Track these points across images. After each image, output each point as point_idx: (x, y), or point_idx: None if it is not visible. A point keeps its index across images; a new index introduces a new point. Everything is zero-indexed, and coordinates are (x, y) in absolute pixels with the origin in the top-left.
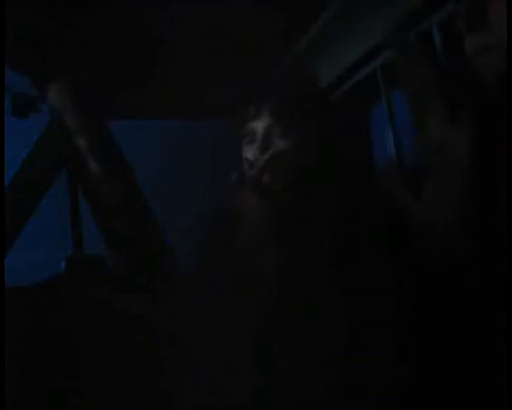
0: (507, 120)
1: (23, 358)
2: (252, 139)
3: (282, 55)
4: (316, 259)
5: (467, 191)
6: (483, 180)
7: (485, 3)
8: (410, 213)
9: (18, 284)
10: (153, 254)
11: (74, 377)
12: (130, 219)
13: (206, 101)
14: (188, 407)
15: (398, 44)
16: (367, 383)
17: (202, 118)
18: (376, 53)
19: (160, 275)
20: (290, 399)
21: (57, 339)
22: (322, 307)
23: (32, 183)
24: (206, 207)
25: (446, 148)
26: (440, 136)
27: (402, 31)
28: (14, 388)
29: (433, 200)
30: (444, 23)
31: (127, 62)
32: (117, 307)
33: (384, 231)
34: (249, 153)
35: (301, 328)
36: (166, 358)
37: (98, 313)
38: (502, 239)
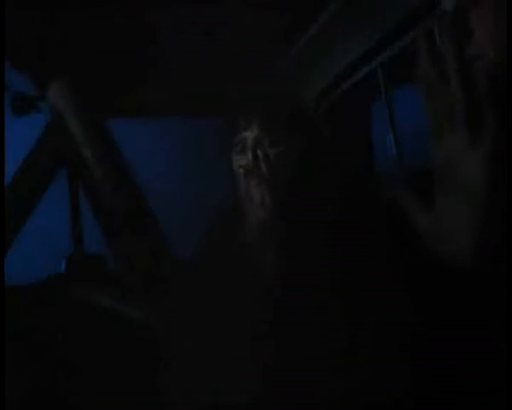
0: (507, 120)
1: (23, 357)
2: (243, 147)
3: (268, 72)
4: (316, 260)
5: (483, 208)
6: (498, 197)
7: (464, 15)
8: (417, 220)
9: (18, 284)
10: (153, 253)
11: (73, 376)
12: (130, 218)
13: (207, 99)
14: (185, 407)
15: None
16: (367, 384)
17: (203, 115)
18: (376, 53)
19: (159, 275)
20: (289, 400)
21: (57, 338)
22: (322, 307)
23: (32, 183)
24: (205, 208)
25: (464, 160)
26: (459, 148)
27: (402, 31)
28: (13, 387)
29: (446, 213)
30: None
31: (127, 62)
32: (116, 306)
33: (385, 233)
34: (242, 161)
35: (301, 328)
36: (165, 358)
37: (98, 313)
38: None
